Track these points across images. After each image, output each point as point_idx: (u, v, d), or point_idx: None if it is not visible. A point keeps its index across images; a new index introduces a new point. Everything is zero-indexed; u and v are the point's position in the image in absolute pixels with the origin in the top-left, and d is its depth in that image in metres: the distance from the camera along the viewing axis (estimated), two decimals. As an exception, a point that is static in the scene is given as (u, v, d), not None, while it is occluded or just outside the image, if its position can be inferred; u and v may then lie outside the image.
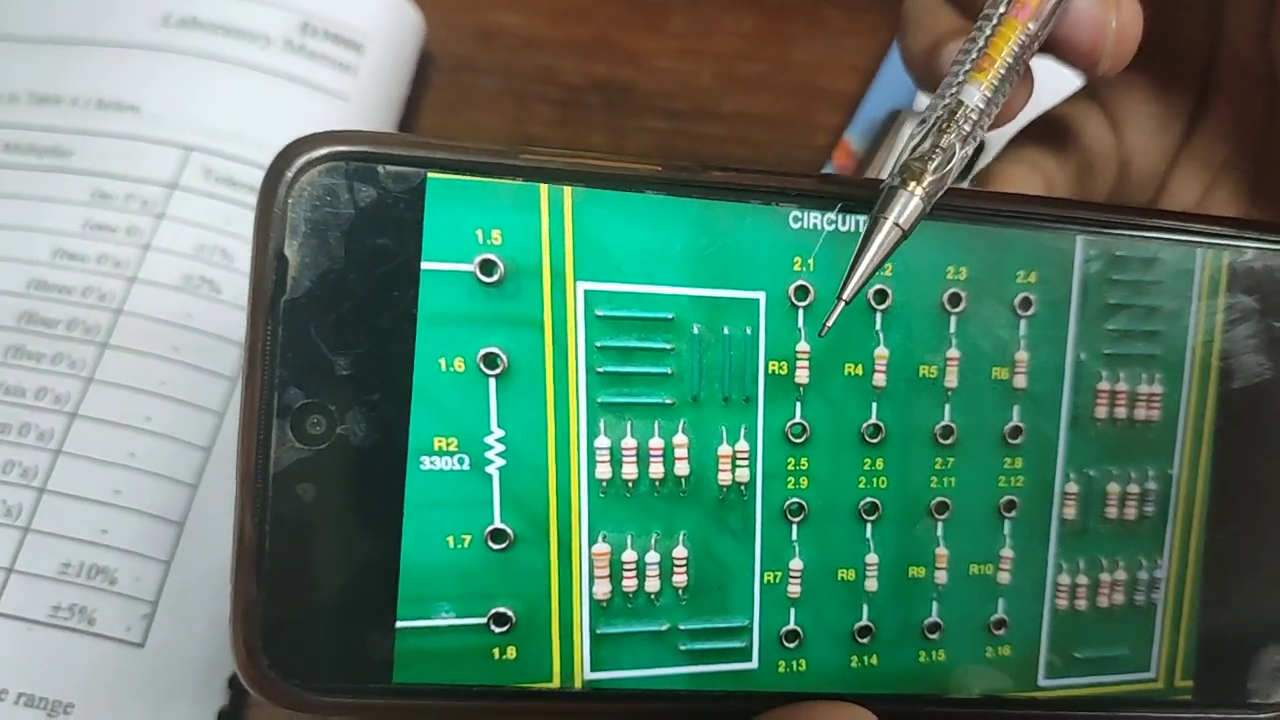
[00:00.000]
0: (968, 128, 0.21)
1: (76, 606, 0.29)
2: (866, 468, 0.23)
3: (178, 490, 0.30)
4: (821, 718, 0.22)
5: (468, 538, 0.21)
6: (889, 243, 0.20)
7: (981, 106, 0.21)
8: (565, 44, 0.42)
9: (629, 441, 0.22)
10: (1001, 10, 0.22)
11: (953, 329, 0.23)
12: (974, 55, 0.22)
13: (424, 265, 0.21)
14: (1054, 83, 0.26)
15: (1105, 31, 0.23)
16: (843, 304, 0.21)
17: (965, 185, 0.34)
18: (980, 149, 0.34)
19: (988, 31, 0.22)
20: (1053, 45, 0.24)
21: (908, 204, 0.20)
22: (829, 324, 0.21)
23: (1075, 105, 0.29)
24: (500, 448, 0.21)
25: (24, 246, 0.32)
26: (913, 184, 0.21)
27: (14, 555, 0.29)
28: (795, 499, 0.22)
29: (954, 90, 0.21)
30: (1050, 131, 0.29)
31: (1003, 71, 0.21)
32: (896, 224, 0.20)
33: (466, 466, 0.21)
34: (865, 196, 0.22)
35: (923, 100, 0.40)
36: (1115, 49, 0.23)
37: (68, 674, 0.28)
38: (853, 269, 0.20)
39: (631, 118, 0.41)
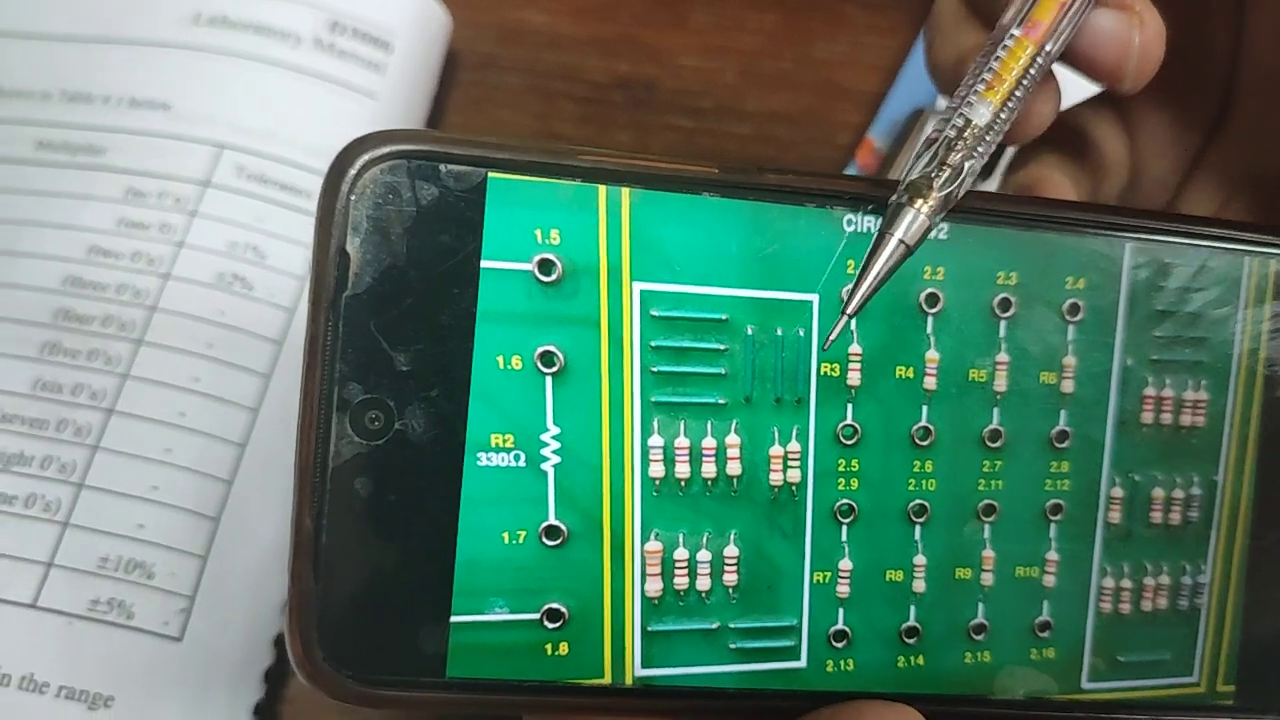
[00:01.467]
0: (978, 147, 0.21)
1: (115, 600, 0.29)
2: (916, 470, 0.23)
3: (213, 486, 0.30)
4: (870, 717, 0.22)
5: (522, 534, 0.21)
6: (894, 259, 0.21)
7: (992, 124, 0.21)
8: (589, 42, 0.42)
9: (682, 441, 0.22)
10: (1014, 31, 0.22)
11: (1002, 333, 0.23)
12: (984, 74, 0.22)
13: (484, 264, 0.21)
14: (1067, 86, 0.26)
15: (1129, 49, 0.23)
16: (845, 318, 0.21)
17: (994, 188, 0.35)
18: (1000, 152, 0.34)
19: (999, 51, 0.22)
20: (1076, 62, 0.24)
21: (914, 221, 0.21)
22: (832, 337, 0.21)
23: (1089, 110, 0.29)
24: (556, 445, 0.21)
25: (59, 244, 0.33)
26: (919, 201, 0.21)
27: (54, 550, 0.29)
28: (845, 500, 0.23)
29: (963, 109, 0.22)
30: (1062, 136, 0.29)
31: (1015, 91, 0.22)
32: (902, 241, 0.21)
33: (522, 463, 0.21)
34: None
35: (944, 101, 0.40)
36: (1138, 67, 0.23)
37: (107, 667, 0.29)
38: (857, 284, 0.21)
39: (655, 115, 0.41)
